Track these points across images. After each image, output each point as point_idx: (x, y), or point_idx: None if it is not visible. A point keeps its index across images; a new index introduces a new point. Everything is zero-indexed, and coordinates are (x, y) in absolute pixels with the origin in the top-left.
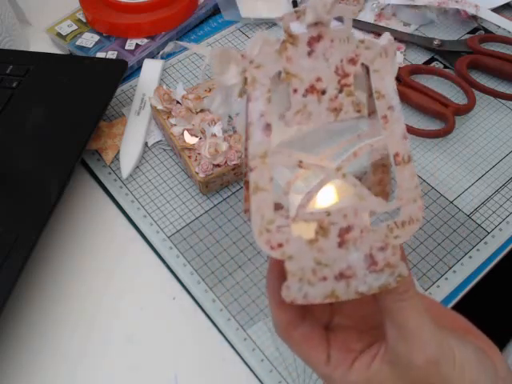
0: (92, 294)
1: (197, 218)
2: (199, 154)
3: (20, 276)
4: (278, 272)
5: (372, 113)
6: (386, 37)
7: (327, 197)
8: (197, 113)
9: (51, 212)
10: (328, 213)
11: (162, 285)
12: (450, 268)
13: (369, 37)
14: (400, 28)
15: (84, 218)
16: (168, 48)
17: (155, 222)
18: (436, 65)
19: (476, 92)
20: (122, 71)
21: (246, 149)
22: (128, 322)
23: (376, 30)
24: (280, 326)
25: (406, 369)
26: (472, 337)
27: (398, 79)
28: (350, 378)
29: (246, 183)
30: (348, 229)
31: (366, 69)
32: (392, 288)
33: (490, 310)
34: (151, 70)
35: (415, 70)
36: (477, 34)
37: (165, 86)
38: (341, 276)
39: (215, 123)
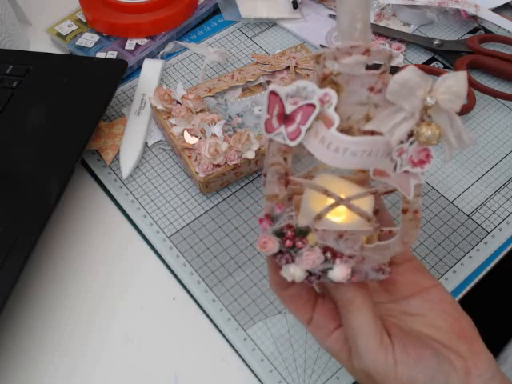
0: (92, 294)
1: (197, 218)
2: (199, 153)
3: (20, 276)
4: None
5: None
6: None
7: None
8: (197, 113)
9: (51, 212)
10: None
11: (162, 285)
12: (450, 268)
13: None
14: (400, 28)
15: (84, 218)
16: (168, 48)
17: (155, 222)
18: (436, 65)
19: (476, 92)
20: (122, 71)
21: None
22: (128, 321)
23: (376, 31)
24: (273, 286)
25: (353, 367)
26: (464, 341)
27: None
28: (326, 344)
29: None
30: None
31: None
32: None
33: (490, 309)
34: (151, 70)
35: None
36: (477, 33)
37: (165, 86)
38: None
39: (215, 123)
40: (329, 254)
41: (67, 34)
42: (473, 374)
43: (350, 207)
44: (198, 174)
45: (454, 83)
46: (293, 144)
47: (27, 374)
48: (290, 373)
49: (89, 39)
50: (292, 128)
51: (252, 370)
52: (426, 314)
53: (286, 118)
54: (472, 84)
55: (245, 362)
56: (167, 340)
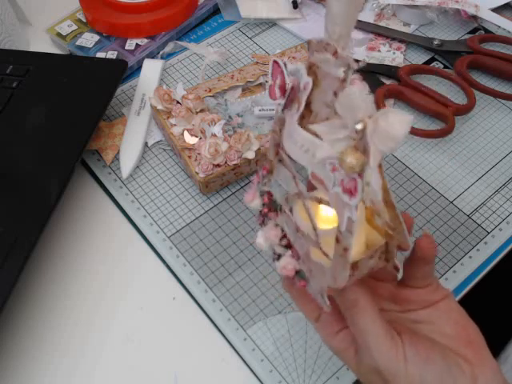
0: (92, 294)
1: (197, 218)
2: (199, 153)
3: (20, 276)
4: None
5: None
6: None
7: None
8: (197, 113)
9: (51, 212)
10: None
11: (162, 285)
12: (450, 268)
13: (369, 36)
14: (400, 28)
15: (84, 218)
16: (168, 48)
17: (155, 222)
18: (436, 65)
19: (476, 92)
20: (122, 71)
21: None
22: (128, 321)
23: (376, 31)
24: (283, 282)
25: (361, 366)
26: (470, 348)
27: (398, 79)
28: (332, 343)
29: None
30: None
31: None
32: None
33: (490, 309)
34: (151, 70)
35: (415, 70)
36: (477, 34)
37: (165, 86)
38: None
39: (215, 123)
40: (284, 241)
41: (67, 34)
42: (479, 381)
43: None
44: (198, 173)
45: (397, 123)
46: (281, 114)
47: (27, 374)
48: (290, 373)
49: (89, 39)
50: (286, 99)
51: (252, 370)
52: (433, 322)
53: (285, 91)
54: (472, 84)
55: (245, 362)
56: (167, 340)
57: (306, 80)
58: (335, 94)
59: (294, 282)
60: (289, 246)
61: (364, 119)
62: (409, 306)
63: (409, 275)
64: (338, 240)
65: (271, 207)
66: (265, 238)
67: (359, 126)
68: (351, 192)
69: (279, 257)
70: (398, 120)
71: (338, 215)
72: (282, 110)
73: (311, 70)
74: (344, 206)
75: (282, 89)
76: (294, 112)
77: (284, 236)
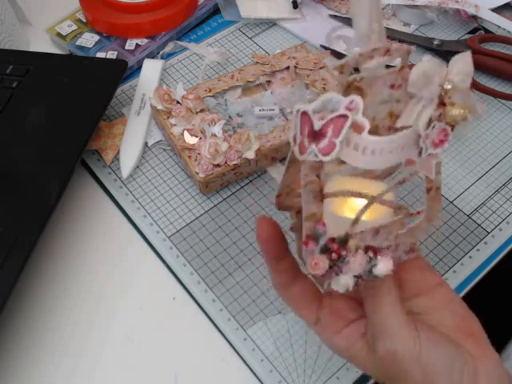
0: (92, 294)
1: (197, 218)
2: (199, 153)
3: (20, 276)
4: (274, 240)
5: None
6: None
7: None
8: (197, 113)
9: (51, 212)
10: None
11: (162, 285)
12: (450, 268)
13: None
14: (400, 28)
15: (84, 218)
16: (168, 48)
17: (155, 222)
18: None
19: (476, 92)
20: (122, 71)
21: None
22: (128, 321)
23: None
24: (275, 286)
25: (374, 355)
26: (471, 340)
27: None
28: (337, 342)
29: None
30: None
31: None
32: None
33: (490, 309)
34: (151, 69)
35: None
36: (477, 34)
37: (165, 86)
38: None
39: (215, 123)
40: (371, 253)
41: (67, 34)
42: (480, 374)
43: (384, 203)
44: (198, 173)
45: (463, 64)
46: (328, 159)
47: (27, 374)
48: (290, 373)
49: (89, 39)
50: (324, 143)
51: (252, 370)
52: (432, 313)
53: (315, 135)
54: (472, 84)
55: (245, 362)
56: (167, 340)
57: (348, 100)
58: (392, 86)
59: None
60: (375, 252)
61: (448, 78)
62: (406, 291)
63: None
64: (428, 189)
65: (338, 250)
66: (351, 275)
67: (448, 86)
68: (442, 141)
69: (369, 270)
70: (463, 60)
71: (425, 171)
72: (325, 156)
73: (350, 87)
74: (431, 159)
75: (311, 135)
76: (353, 135)
77: (366, 250)
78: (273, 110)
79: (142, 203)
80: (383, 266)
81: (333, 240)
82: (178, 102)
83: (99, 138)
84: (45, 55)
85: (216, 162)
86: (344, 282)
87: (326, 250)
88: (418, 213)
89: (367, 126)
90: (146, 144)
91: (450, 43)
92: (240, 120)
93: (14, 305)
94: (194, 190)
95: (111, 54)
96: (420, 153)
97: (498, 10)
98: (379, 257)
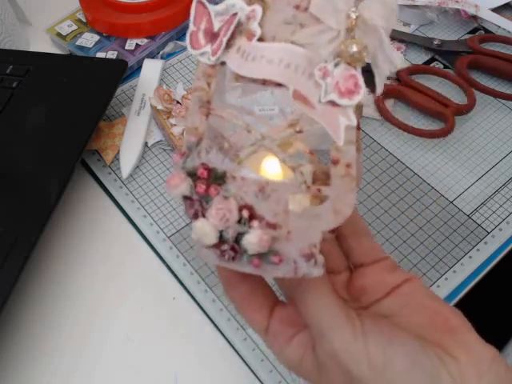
0: (92, 294)
1: None
2: None
3: (20, 276)
4: None
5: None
6: None
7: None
8: None
9: (51, 212)
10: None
11: (162, 285)
12: (450, 268)
13: None
14: (400, 28)
15: (84, 218)
16: (168, 48)
17: (155, 222)
18: (436, 65)
19: (476, 92)
20: (122, 71)
21: None
22: (128, 321)
23: None
24: (223, 283)
25: (318, 362)
26: (451, 338)
27: (398, 79)
28: (286, 353)
29: None
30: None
31: None
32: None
33: (490, 310)
34: (151, 69)
35: (415, 70)
36: (477, 33)
37: (165, 86)
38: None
39: None
40: (245, 213)
41: (67, 34)
42: (467, 374)
43: (273, 151)
44: None
45: (382, 4)
46: (213, 59)
47: (27, 373)
48: (290, 373)
49: (89, 39)
50: (216, 43)
51: (252, 370)
52: (400, 313)
53: (212, 36)
54: (472, 84)
55: (245, 361)
56: (167, 340)
57: (250, 9)
58: (297, 7)
59: (268, 260)
60: (252, 217)
61: (355, 5)
62: (368, 297)
63: (351, 253)
64: (335, 161)
65: (209, 182)
66: (213, 222)
67: (354, 14)
68: (351, 91)
69: (238, 237)
70: (382, 2)
71: (331, 131)
72: (213, 56)
73: None
74: (338, 114)
75: (209, 34)
76: (244, 42)
77: (242, 207)
78: (273, 109)
79: (142, 203)
80: (254, 236)
81: (205, 167)
82: (178, 102)
83: (99, 138)
84: (45, 55)
85: None
86: (200, 226)
87: (193, 175)
88: (319, 191)
89: (258, 33)
90: (146, 144)
91: (450, 43)
92: None
93: (14, 305)
94: None
95: (111, 54)
96: (320, 97)
97: (498, 9)
98: (255, 223)
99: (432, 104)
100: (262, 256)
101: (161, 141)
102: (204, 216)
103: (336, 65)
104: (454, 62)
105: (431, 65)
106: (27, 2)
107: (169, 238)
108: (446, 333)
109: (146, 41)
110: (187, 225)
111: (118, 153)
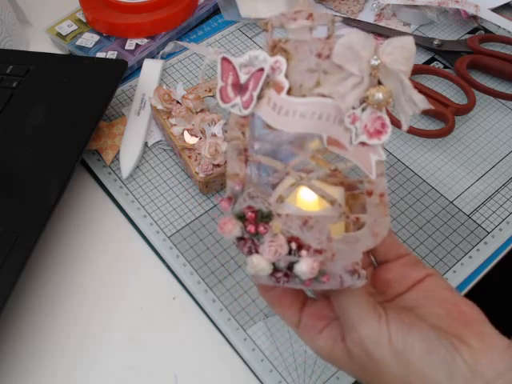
0: (92, 294)
1: (197, 218)
2: (199, 153)
3: (20, 276)
4: None
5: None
6: None
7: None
8: (197, 113)
9: (51, 212)
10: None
11: (162, 285)
12: (451, 268)
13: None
14: (400, 28)
15: (84, 218)
16: (168, 48)
17: (155, 222)
18: (436, 65)
19: (476, 92)
20: (122, 71)
21: None
22: (128, 321)
23: (376, 31)
24: (258, 288)
25: (347, 350)
26: (468, 329)
27: None
28: (319, 344)
29: None
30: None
31: None
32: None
33: (490, 309)
34: (151, 70)
35: (415, 70)
36: (477, 33)
37: (165, 86)
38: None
39: (215, 123)
40: (294, 245)
41: (67, 34)
42: (482, 364)
43: (312, 187)
44: (198, 173)
45: (401, 44)
46: (246, 112)
47: (27, 373)
48: (290, 373)
49: (89, 39)
50: (246, 97)
51: (252, 370)
52: (422, 305)
53: (240, 88)
54: (472, 84)
55: (245, 362)
56: (167, 340)
57: (274, 60)
58: (319, 55)
59: (318, 279)
60: (300, 247)
61: (375, 53)
62: (392, 291)
63: (375, 250)
64: (369, 192)
65: (257, 222)
66: (267, 257)
67: (375, 62)
68: (379, 132)
69: (290, 265)
70: (402, 40)
71: (363, 167)
72: (246, 109)
73: (276, 48)
74: (368, 152)
75: (236, 87)
76: (274, 95)
77: (290, 240)
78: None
79: (142, 203)
80: (306, 265)
81: (251, 209)
82: (178, 102)
83: (99, 138)
84: (45, 55)
85: (216, 162)
86: (256, 262)
87: (241, 217)
88: (357, 219)
89: (286, 86)
90: (146, 144)
91: (450, 43)
92: None
93: (14, 305)
94: (193, 190)
95: (111, 54)
96: (351, 138)
97: (498, 9)
98: (304, 253)
99: (432, 104)
100: (312, 278)
101: (161, 141)
102: (257, 252)
103: (363, 109)
104: (453, 62)
105: (431, 65)
106: (27, 2)
107: (169, 238)
108: (463, 324)
109: (146, 41)
110: (187, 225)
111: (118, 153)
